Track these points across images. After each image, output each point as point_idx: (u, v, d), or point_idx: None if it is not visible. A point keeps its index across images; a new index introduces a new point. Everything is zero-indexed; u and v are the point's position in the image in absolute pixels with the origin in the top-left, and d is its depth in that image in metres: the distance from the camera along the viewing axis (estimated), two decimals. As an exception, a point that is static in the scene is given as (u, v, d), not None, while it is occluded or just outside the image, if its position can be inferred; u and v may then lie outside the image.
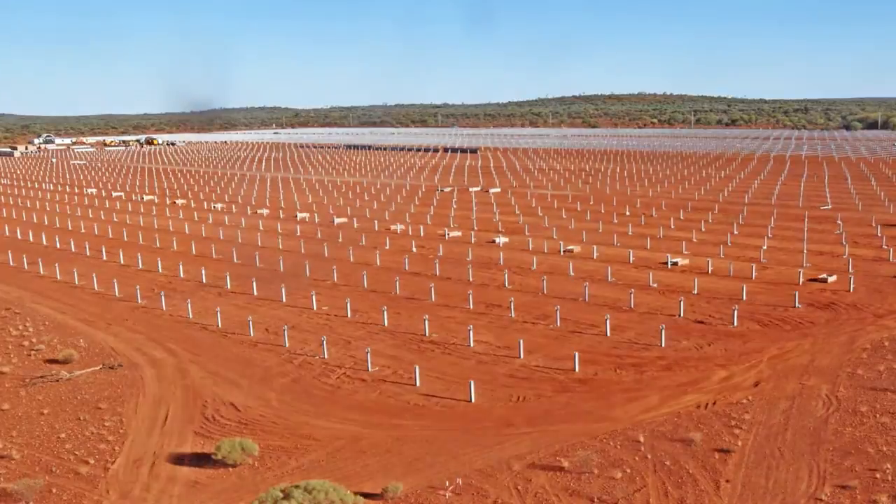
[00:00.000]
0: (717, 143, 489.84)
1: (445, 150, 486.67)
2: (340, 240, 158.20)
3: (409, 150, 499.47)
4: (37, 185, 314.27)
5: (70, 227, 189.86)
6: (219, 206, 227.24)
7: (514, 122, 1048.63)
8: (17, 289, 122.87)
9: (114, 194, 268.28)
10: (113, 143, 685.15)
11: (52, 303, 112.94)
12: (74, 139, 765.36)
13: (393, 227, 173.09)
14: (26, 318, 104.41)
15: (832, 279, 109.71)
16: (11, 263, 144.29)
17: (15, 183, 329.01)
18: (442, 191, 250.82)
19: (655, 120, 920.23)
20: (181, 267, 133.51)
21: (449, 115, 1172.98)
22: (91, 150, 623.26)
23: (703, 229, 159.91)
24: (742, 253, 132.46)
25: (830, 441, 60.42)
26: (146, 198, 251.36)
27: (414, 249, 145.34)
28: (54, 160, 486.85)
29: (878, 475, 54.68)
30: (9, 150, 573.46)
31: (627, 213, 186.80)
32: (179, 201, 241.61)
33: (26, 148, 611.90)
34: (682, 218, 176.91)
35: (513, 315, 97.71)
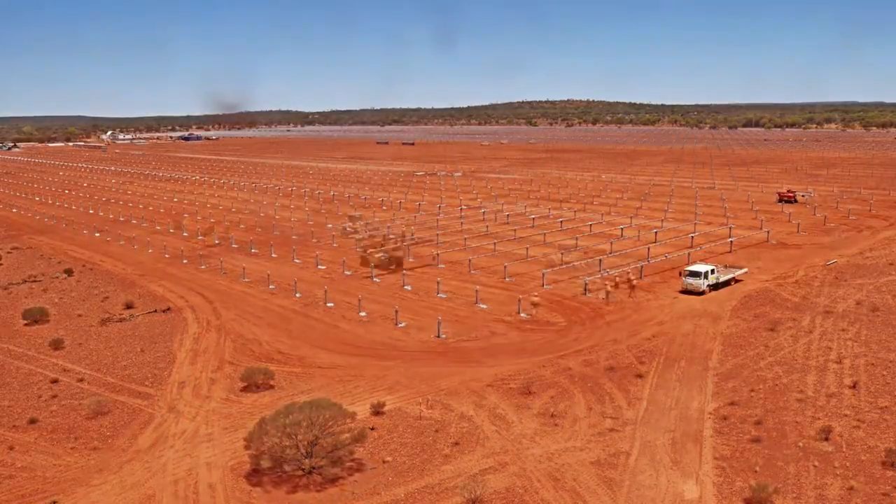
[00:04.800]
0: (630, 139, 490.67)
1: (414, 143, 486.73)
2: (340, 213, 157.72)
3: (390, 143, 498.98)
4: (101, 169, 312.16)
5: (130, 203, 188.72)
6: (243, 184, 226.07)
7: (471, 121, 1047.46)
8: (90, 251, 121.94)
9: (161, 174, 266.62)
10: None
11: (116, 262, 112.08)
12: (134, 136, 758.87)
13: (379, 201, 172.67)
14: (97, 274, 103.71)
15: (718, 243, 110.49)
16: (84, 232, 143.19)
17: (85, 166, 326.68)
18: (416, 175, 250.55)
19: (581, 120, 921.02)
20: (215, 234, 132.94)
21: (423, 116, 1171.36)
22: (146, 143, 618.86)
23: (618, 205, 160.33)
24: (647, 223, 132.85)
25: (716, 368, 60.77)
26: (189, 179, 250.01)
27: (395, 220, 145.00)
28: (117, 150, 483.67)
29: (753, 393, 55.07)
30: (101, 145, 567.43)
31: (559, 193, 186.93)
32: (213, 179, 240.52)
33: (105, 143, 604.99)
34: (601, 196, 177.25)
35: (471, 271, 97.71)
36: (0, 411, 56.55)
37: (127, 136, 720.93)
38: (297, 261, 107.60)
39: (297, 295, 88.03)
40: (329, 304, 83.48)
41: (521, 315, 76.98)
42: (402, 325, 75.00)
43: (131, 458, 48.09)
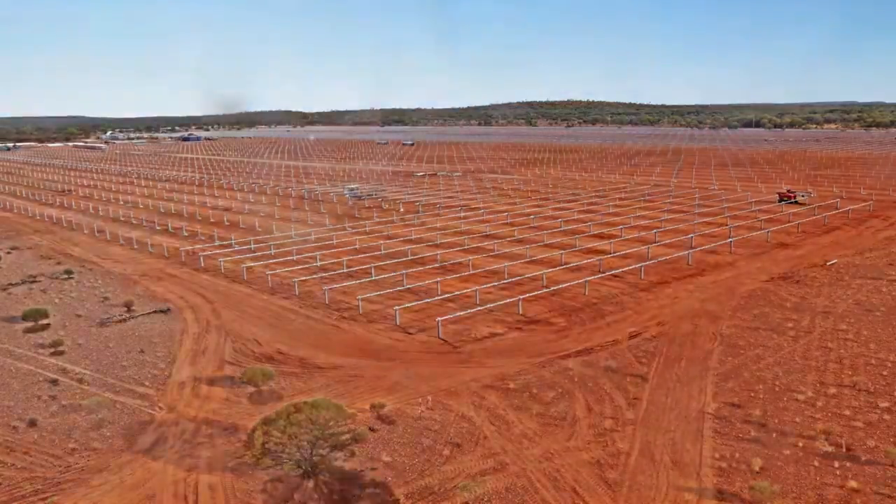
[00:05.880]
0: (630, 140, 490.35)
1: (417, 143, 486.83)
2: (339, 213, 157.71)
3: (389, 143, 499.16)
4: (101, 169, 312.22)
5: (130, 203, 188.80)
6: (242, 184, 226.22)
7: (471, 121, 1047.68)
8: (90, 251, 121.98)
9: (162, 174, 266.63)
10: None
11: (115, 262, 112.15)
12: (132, 136, 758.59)
13: (379, 202, 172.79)
14: (97, 274, 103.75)
15: (720, 243, 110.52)
16: (85, 232, 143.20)
17: (84, 166, 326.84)
18: (416, 175, 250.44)
19: (581, 120, 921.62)
20: (216, 234, 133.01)
21: (423, 116, 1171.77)
22: (145, 143, 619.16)
23: (618, 205, 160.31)
24: (647, 223, 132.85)
25: (716, 368, 60.80)
26: (189, 180, 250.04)
27: (395, 219, 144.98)
28: (117, 151, 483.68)
29: (752, 394, 55.13)
30: (102, 145, 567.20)
31: (559, 194, 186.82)
32: (214, 182, 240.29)
33: (106, 143, 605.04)
34: (601, 196, 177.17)
35: (471, 270, 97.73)
36: (0, 412, 56.62)
37: (124, 137, 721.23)
38: (296, 259, 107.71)
39: (297, 294, 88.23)
40: (328, 304, 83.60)
41: (522, 314, 77.09)
42: (403, 323, 75.19)
43: (131, 459, 48.13)
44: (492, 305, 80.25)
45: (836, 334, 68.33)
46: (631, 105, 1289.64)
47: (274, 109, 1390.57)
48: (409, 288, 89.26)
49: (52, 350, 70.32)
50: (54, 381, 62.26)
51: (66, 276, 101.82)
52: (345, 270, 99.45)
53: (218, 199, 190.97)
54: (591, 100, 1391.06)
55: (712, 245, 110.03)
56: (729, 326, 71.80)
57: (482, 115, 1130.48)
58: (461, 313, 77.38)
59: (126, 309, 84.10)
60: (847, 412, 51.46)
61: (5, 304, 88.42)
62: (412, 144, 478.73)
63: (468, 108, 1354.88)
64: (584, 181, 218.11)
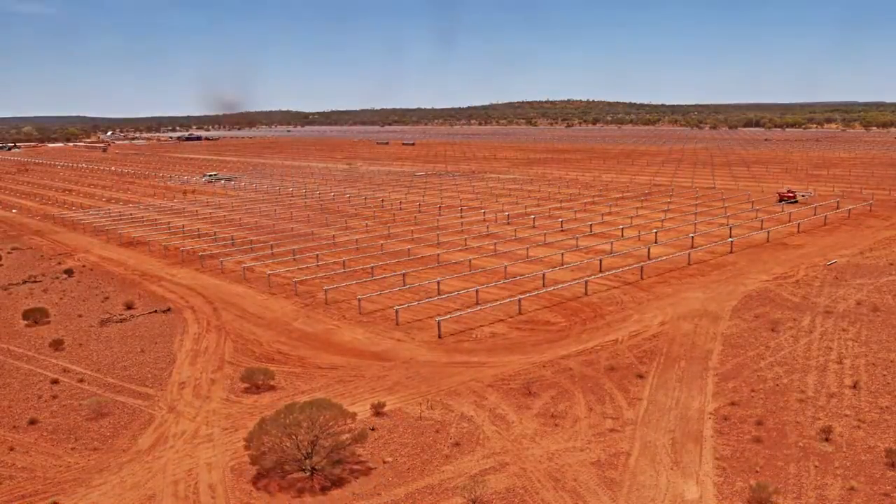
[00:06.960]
0: (630, 139, 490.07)
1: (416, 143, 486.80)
2: (339, 212, 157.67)
3: (389, 143, 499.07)
4: (101, 169, 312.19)
5: (131, 203, 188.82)
6: (242, 184, 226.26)
7: (471, 121, 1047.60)
8: (90, 252, 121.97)
9: (161, 174, 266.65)
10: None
11: (116, 262, 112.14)
12: (135, 136, 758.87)
13: (378, 202, 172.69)
14: (97, 274, 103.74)
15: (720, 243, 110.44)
16: (85, 233, 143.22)
17: (85, 166, 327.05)
18: (416, 175, 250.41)
19: (581, 120, 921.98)
20: (216, 234, 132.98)
21: (423, 116, 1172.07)
22: (145, 143, 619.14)
23: (618, 204, 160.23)
24: (647, 224, 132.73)
25: (716, 368, 60.74)
26: (189, 180, 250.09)
27: (396, 219, 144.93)
28: (117, 151, 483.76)
29: (753, 393, 55.07)
30: (102, 145, 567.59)
31: (559, 193, 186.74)
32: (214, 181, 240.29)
33: (106, 143, 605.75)
34: (601, 196, 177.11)
35: (471, 270, 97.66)
36: (0, 412, 56.59)
37: (122, 136, 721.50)
38: (296, 260, 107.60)
39: (297, 294, 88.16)
40: (328, 304, 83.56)
41: (522, 314, 76.99)
42: (403, 323, 75.14)
43: (132, 459, 48.09)
44: (492, 305, 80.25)
45: (837, 334, 68.24)
46: (631, 105, 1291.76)
47: (274, 110, 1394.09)
48: (409, 287, 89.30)
49: (52, 350, 70.38)
50: (55, 381, 62.25)
51: (66, 275, 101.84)
52: (344, 271, 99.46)
53: (221, 199, 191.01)
54: (591, 100, 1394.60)
55: (712, 244, 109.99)
56: (730, 326, 71.71)
57: (482, 115, 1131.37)
58: (461, 313, 77.38)
59: (126, 308, 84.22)
60: (848, 412, 51.40)
61: (6, 304, 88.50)
62: (412, 144, 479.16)
63: (468, 108, 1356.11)
64: (584, 180, 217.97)
